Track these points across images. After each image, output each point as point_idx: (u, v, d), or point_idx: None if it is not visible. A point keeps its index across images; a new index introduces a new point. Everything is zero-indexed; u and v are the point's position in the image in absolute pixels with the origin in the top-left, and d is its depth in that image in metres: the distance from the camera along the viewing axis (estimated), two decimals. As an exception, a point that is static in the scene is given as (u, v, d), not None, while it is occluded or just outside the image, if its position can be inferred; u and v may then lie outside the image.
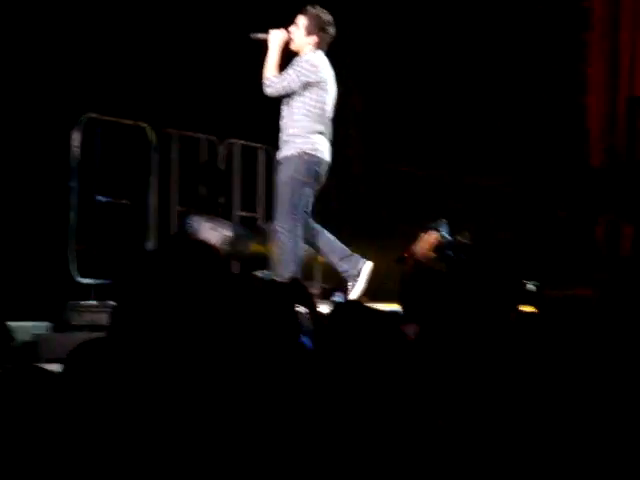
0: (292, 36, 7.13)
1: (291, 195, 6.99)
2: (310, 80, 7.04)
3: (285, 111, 7.12)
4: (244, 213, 8.85)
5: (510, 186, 10.25)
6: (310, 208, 7.14)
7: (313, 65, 7.06)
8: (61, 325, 6.77)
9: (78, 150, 7.38)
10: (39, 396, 2.65)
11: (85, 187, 7.48)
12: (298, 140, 7.03)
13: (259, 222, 8.83)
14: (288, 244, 7.02)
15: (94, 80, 8.74)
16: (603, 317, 4.09)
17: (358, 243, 7.18)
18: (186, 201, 8.51)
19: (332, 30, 7.16)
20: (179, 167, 8.47)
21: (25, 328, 6.50)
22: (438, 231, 5.89)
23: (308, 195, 7.08)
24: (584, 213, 9.71)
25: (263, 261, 7.59)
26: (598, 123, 10.09)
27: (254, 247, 8.10)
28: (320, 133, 7.10)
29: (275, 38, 7.11)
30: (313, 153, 7.05)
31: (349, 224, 10.02)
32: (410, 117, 10.57)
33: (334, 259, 7.24)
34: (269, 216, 8.85)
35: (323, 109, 7.12)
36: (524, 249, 9.24)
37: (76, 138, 7.38)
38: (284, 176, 7.02)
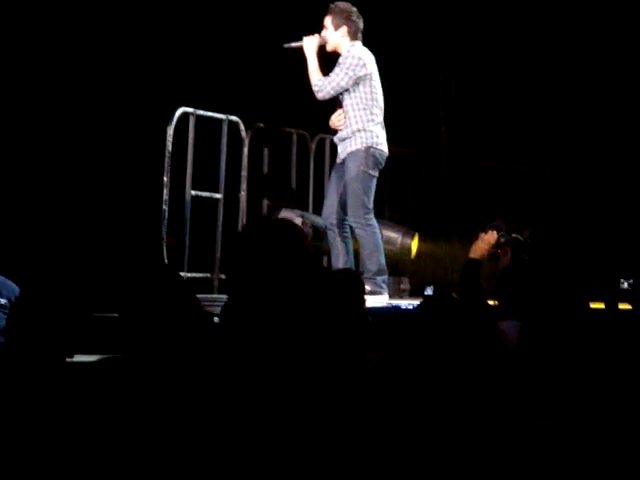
0: (325, 38, 7.12)
1: (362, 190, 7.01)
2: (360, 74, 7.04)
3: (341, 109, 7.12)
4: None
5: (603, 184, 10.11)
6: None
7: (359, 58, 7.04)
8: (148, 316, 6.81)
9: (171, 145, 7.44)
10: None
11: (178, 181, 7.53)
12: (362, 135, 7.04)
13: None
14: (369, 238, 7.04)
15: (188, 75, 8.82)
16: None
17: (446, 236, 7.12)
18: (276, 195, 8.55)
19: (359, 19, 7.13)
20: (270, 161, 8.51)
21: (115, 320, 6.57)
22: (497, 230, 5.82)
23: (374, 188, 7.11)
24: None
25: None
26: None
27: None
28: (379, 124, 7.13)
29: (309, 43, 7.11)
30: (377, 147, 7.07)
31: (437, 218, 9.99)
32: (498, 114, 10.50)
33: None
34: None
35: (377, 99, 7.13)
36: (619, 247, 9.11)
37: (169, 132, 7.45)
38: (353, 171, 7.02)
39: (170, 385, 2.52)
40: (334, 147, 8.82)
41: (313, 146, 8.78)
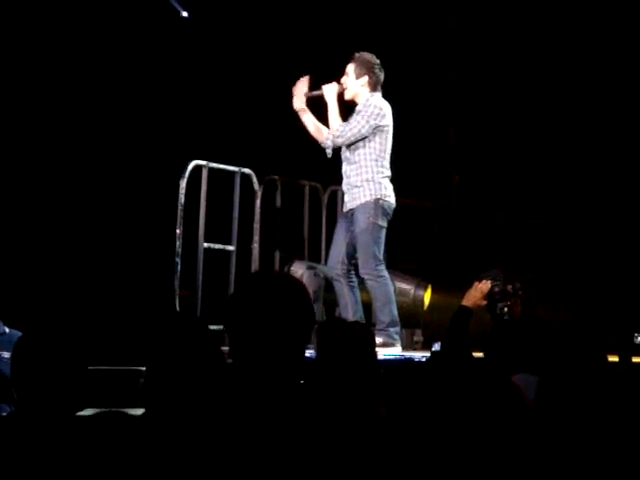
0: (345, 85, 7.18)
1: (373, 241, 7.01)
2: (379, 124, 7.08)
3: (353, 157, 7.15)
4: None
5: (618, 237, 10.10)
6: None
7: (380, 109, 7.09)
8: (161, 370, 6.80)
9: (184, 197, 7.47)
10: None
11: (190, 233, 7.55)
12: (371, 186, 7.06)
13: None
14: (381, 289, 7.03)
15: (200, 128, 8.87)
16: None
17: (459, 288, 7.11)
18: (289, 247, 8.55)
19: (381, 71, 7.19)
20: (282, 213, 8.53)
21: (129, 373, 6.56)
22: (493, 280, 5.82)
23: (384, 238, 7.12)
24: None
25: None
26: None
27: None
28: (387, 177, 7.15)
29: (329, 91, 7.18)
30: (385, 198, 7.09)
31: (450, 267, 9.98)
32: (511, 166, 10.53)
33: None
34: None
35: (389, 153, 7.18)
36: (633, 301, 9.07)
37: (182, 185, 7.47)
38: (363, 223, 7.04)
39: (197, 437, 2.53)
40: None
41: (325, 198, 8.79)
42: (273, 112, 9.08)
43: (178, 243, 7.43)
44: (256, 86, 9.43)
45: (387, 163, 7.16)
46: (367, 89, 7.16)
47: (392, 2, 10.23)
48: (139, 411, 4.80)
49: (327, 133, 7.19)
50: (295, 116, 7.31)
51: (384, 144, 7.12)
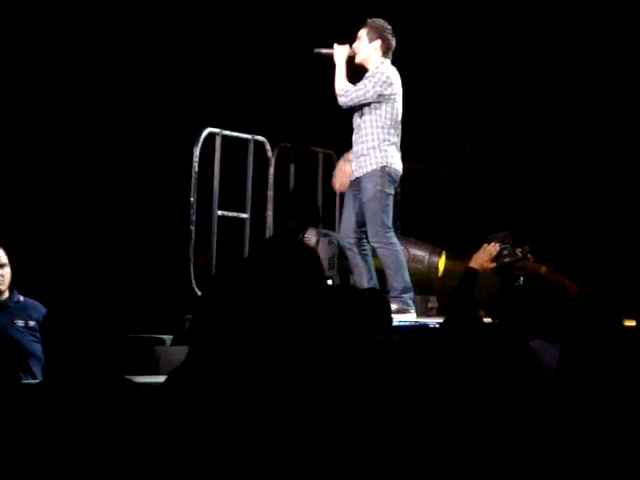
0: (356, 50, 7.16)
1: (381, 209, 7.01)
2: (385, 93, 7.07)
3: (359, 125, 7.14)
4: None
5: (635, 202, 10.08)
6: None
7: (387, 77, 7.08)
8: (180, 338, 6.85)
9: (197, 165, 7.47)
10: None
11: (205, 201, 7.56)
12: (377, 154, 7.05)
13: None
14: (392, 256, 7.03)
15: (213, 95, 8.86)
16: None
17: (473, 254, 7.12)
18: (303, 215, 8.56)
19: (393, 37, 7.18)
20: (296, 181, 8.53)
21: (145, 341, 6.60)
22: (502, 243, 5.80)
23: (391, 205, 7.12)
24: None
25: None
26: None
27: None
28: (393, 144, 7.13)
29: (339, 52, 7.16)
30: (392, 166, 7.08)
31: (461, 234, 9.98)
32: (526, 132, 10.49)
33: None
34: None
35: (397, 120, 7.16)
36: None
37: (196, 153, 7.47)
38: (370, 192, 7.03)
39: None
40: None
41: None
42: (286, 80, 9.07)
43: (192, 211, 7.43)
44: (270, 53, 9.40)
45: (394, 131, 7.14)
46: (379, 53, 7.15)
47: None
48: (156, 378, 4.83)
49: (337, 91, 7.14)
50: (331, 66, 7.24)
51: (390, 112, 7.09)
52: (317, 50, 7.27)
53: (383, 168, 7.04)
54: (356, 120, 7.17)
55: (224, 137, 7.70)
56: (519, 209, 10.28)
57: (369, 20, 7.20)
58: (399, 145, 7.20)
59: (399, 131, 7.19)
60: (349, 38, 7.26)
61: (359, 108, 7.13)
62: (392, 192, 7.12)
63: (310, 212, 8.64)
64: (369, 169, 7.06)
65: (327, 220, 8.65)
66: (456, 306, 5.39)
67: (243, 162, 7.88)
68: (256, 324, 2.52)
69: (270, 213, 8.05)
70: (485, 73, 10.74)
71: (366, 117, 7.10)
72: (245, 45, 9.36)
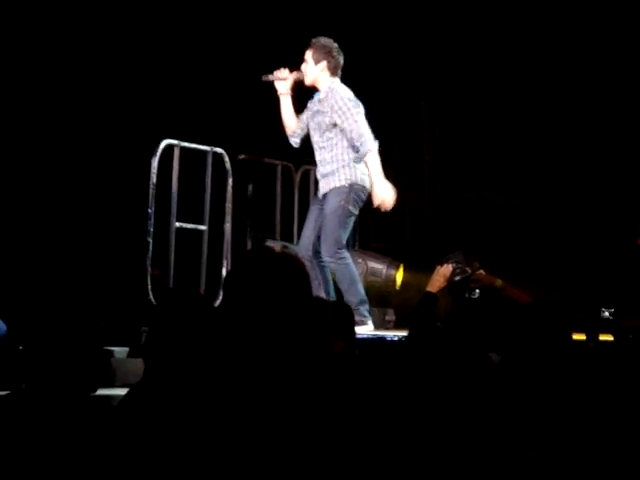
0: (304, 72, 7.14)
1: (340, 225, 7.01)
2: (360, 110, 7.10)
3: (326, 144, 7.12)
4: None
5: (584, 214, 10.17)
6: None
7: (349, 99, 7.05)
8: (137, 350, 6.82)
9: (155, 177, 7.45)
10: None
11: (162, 213, 7.54)
12: (347, 171, 7.05)
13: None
14: (344, 270, 7.04)
15: (171, 107, 8.84)
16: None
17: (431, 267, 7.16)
18: (261, 227, 8.56)
19: (339, 55, 7.14)
20: (254, 193, 8.53)
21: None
22: (454, 262, 5.87)
23: (351, 225, 7.12)
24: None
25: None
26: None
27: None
28: (362, 161, 7.12)
29: (281, 78, 7.16)
30: (361, 183, 7.07)
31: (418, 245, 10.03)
32: (481, 145, 10.57)
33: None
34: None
35: None
36: (599, 277, 9.14)
37: (154, 164, 7.45)
38: (334, 205, 7.04)
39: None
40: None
41: (298, 177, 8.80)
42: (244, 91, 9.07)
43: (150, 222, 7.41)
44: (228, 65, 9.40)
45: None
46: (327, 73, 7.11)
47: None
48: (111, 391, 4.81)
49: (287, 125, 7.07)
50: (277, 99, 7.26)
51: None
52: (265, 77, 7.23)
53: (351, 185, 7.04)
54: (319, 141, 7.14)
55: (182, 149, 7.69)
56: (475, 222, 10.35)
57: (313, 40, 7.15)
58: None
59: None
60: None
61: (325, 129, 7.10)
62: (356, 212, 7.11)
63: (268, 224, 8.64)
64: (337, 184, 7.06)
65: (285, 232, 8.66)
66: (416, 330, 5.41)
67: (201, 174, 7.88)
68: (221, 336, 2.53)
69: (228, 225, 8.04)
70: (441, 92, 10.81)
71: (332, 137, 7.08)
72: (203, 57, 9.36)
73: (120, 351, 6.77)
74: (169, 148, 7.60)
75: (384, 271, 8.30)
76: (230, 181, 8.07)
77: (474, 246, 9.47)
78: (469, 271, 5.92)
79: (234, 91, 9.33)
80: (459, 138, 10.77)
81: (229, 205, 8.06)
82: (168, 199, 7.57)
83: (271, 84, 7.21)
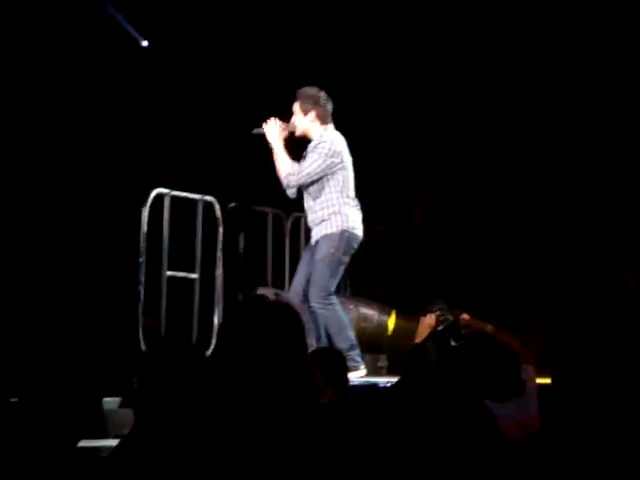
0: (294, 124, 7.10)
1: (329, 272, 6.98)
2: (334, 161, 7.01)
3: (316, 193, 7.08)
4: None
5: (569, 260, 10.20)
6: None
7: (332, 147, 7.00)
8: (130, 400, 6.77)
9: (146, 225, 7.45)
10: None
11: (154, 261, 7.53)
12: (337, 218, 7.02)
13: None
14: (332, 316, 6.99)
15: (162, 155, 8.87)
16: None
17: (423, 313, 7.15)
18: (253, 274, 8.55)
19: (327, 102, 7.09)
20: (246, 241, 8.54)
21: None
22: (438, 311, 5.86)
23: (341, 273, 7.09)
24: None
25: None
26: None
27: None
28: (354, 207, 7.10)
29: (271, 131, 7.06)
30: (352, 231, 7.05)
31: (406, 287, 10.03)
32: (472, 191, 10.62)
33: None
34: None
35: (352, 182, 7.11)
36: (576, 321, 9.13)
37: (145, 214, 7.46)
38: (324, 252, 7.00)
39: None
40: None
41: (288, 225, 8.81)
42: (234, 139, 9.10)
43: (141, 271, 7.40)
44: (217, 113, 9.44)
45: (352, 193, 7.11)
46: (317, 123, 7.07)
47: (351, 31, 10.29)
48: (104, 442, 4.78)
49: (283, 174, 7.07)
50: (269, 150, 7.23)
51: (346, 175, 7.07)
52: (256, 130, 7.20)
53: (342, 232, 7.01)
54: (312, 188, 7.12)
55: (173, 197, 7.70)
56: (466, 268, 10.36)
57: (299, 91, 7.10)
58: (359, 206, 7.16)
59: (353, 192, 7.13)
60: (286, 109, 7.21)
61: (314, 180, 7.09)
62: (346, 260, 7.07)
63: (260, 272, 8.63)
64: (328, 232, 7.02)
65: (277, 280, 8.65)
66: (407, 382, 5.39)
67: (192, 222, 7.88)
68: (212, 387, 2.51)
69: (220, 273, 8.04)
70: (433, 145, 10.87)
71: (322, 185, 7.05)
72: (192, 105, 9.39)
73: (112, 401, 6.73)
74: (159, 197, 7.61)
75: (376, 317, 8.29)
76: (221, 229, 8.08)
77: (465, 291, 9.48)
78: (451, 318, 5.92)
79: (224, 139, 9.36)
80: (451, 187, 10.80)
81: (220, 253, 8.06)
82: (159, 248, 7.56)
83: (263, 136, 7.17)
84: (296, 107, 7.10)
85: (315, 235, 7.14)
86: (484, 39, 10.48)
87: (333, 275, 7.00)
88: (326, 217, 7.05)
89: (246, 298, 5.38)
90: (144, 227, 7.43)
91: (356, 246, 7.13)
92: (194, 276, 7.84)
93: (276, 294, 8.00)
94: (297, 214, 8.67)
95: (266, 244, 8.70)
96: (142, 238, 7.43)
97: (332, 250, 6.98)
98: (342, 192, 7.06)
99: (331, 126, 7.10)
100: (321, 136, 7.04)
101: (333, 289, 7.04)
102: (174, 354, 3.15)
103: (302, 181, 7.04)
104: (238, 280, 8.43)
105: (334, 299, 7.04)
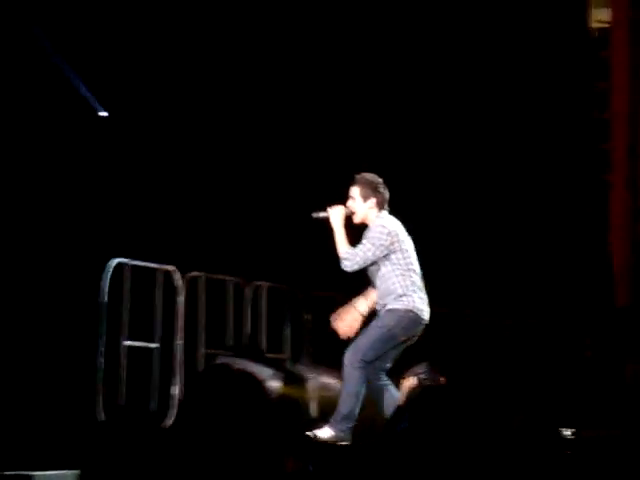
0: (352, 209, 7.15)
1: (378, 342, 6.92)
2: (390, 245, 7.03)
3: (380, 274, 7.07)
4: (271, 355, 8.82)
5: (536, 327, 10.23)
6: (389, 365, 7.06)
7: (388, 233, 7.03)
8: (90, 473, 6.68)
9: (106, 295, 7.42)
10: None
11: (113, 331, 7.49)
12: (404, 299, 6.99)
13: (286, 363, 8.80)
14: (352, 382, 6.91)
15: (121, 225, 8.85)
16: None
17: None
18: (213, 343, 8.50)
19: (385, 190, 7.18)
20: (206, 310, 8.50)
21: (51, 478, 6.42)
22: (420, 375, 5.85)
23: (392, 352, 7.03)
24: (612, 353, 9.64)
25: (291, 404, 7.50)
26: (622, 262, 10.11)
27: (282, 389, 8.06)
28: (420, 289, 7.08)
29: (335, 214, 7.13)
30: (418, 313, 7.02)
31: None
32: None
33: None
34: (295, 358, 8.85)
35: (413, 263, 7.11)
36: (557, 394, 9.14)
37: (104, 283, 7.43)
38: (382, 322, 6.96)
39: None
40: (270, 294, 8.88)
41: (249, 293, 8.79)
42: (193, 207, 9.11)
43: (101, 342, 7.35)
44: (176, 183, 9.44)
45: (416, 275, 7.08)
46: (375, 210, 7.12)
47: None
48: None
49: (341, 256, 7.08)
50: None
51: (403, 258, 7.06)
52: (315, 215, 7.23)
53: (407, 311, 6.99)
54: (375, 273, 7.09)
55: (133, 267, 7.68)
56: (445, 337, 10.35)
57: (358, 177, 7.17)
58: (424, 290, 7.11)
59: (419, 275, 7.10)
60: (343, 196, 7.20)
61: (375, 262, 7.11)
62: (401, 338, 6.97)
63: (220, 340, 8.59)
64: (396, 306, 6.98)
65: (238, 348, 8.61)
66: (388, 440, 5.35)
67: (152, 291, 7.86)
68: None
69: (180, 342, 8.00)
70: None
71: (385, 269, 7.04)
72: (152, 174, 9.39)
73: (70, 474, 6.64)
74: (119, 266, 7.58)
75: (338, 386, 8.24)
76: (181, 298, 8.05)
77: (445, 358, 9.45)
78: (433, 383, 5.90)
79: (183, 208, 9.36)
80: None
81: (180, 322, 8.02)
82: (119, 317, 7.52)
83: (322, 220, 7.19)
84: (355, 192, 7.15)
85: (383, 306, 7.07)
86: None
87: (377, 347, 6.93)
88: (393, 301, 7.00)
89: (209, 367, 5.35)
90: (104, 297, 7.39)
91: (419, 331, 7.05)
92: (154, 345, 7.79)
93: (238, 363, 7.95)
94: (257, 282, 8.67)
95: (226, 312, 8.67)
96: (101, 308, 7.39)
97: (392, 323, 6.95)
98: (404, 275, 7.03)
99: (386, 212, 7.15)
100: (377, 221, 7.08)
101: (369, 360, 6.93)
102: (132, 424, 3.12)
103: (356, 268, 7.05)
104: (198, 349, 8.37)
105: (364, 370, 6.92)
